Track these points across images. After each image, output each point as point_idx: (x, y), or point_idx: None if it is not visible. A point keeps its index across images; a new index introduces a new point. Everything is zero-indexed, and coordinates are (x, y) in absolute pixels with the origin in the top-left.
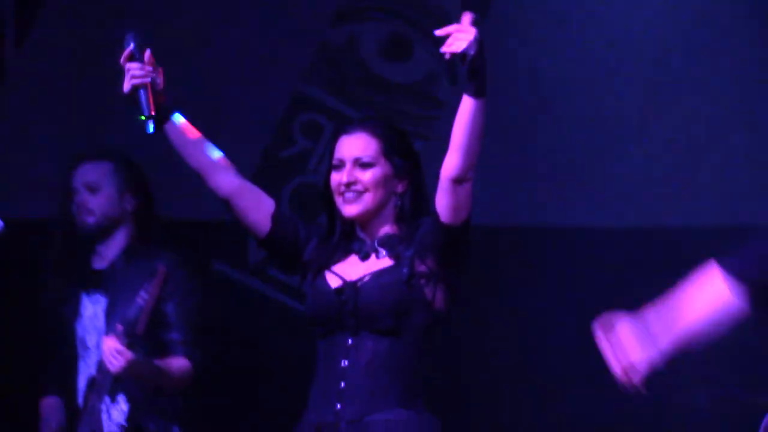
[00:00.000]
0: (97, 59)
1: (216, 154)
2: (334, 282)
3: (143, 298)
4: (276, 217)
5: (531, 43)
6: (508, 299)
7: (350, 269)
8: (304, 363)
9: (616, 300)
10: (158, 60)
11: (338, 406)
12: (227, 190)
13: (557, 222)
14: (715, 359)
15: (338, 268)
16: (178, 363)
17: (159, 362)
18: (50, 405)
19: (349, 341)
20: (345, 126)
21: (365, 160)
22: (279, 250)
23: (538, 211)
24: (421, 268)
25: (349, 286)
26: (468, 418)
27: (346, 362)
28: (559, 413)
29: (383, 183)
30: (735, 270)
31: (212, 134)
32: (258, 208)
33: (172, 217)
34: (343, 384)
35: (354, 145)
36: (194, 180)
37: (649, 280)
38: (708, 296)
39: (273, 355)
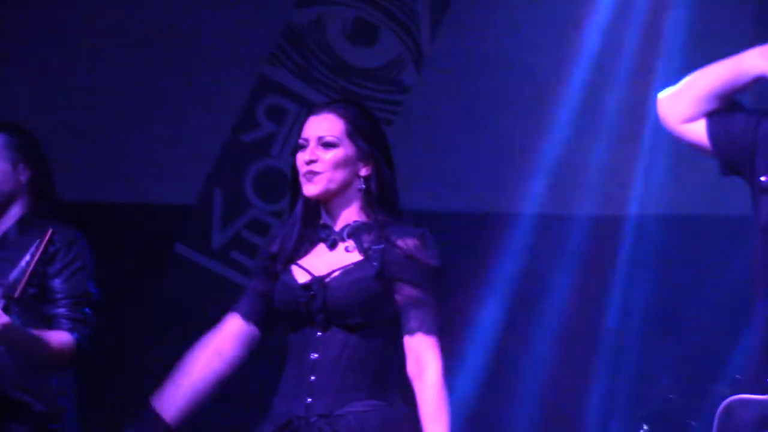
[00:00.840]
0: None
1: (211, 362)
2: (301, 277)
3: (26, 260)
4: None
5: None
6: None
7: (318, 261)
8: (267, 345)
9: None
10: (126, 44)
11: (309, 399)
12: (250, 340)
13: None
14: (679, 348)
15: (306, 260)
16: (58, 336)
17: (36, 332)
18: None
19: (318, 334)
20: (314, 106)
21: (328, 139)
22: None
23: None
24: (394, 264)
25: (317, 282)
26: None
27: (316, 355)
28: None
29: (344, 164)
30: None
31: (178, 117)
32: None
33: (136, 201)
34: (313, 377)
35: (319, 125)
36: (158, 164)
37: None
38: None
39: None
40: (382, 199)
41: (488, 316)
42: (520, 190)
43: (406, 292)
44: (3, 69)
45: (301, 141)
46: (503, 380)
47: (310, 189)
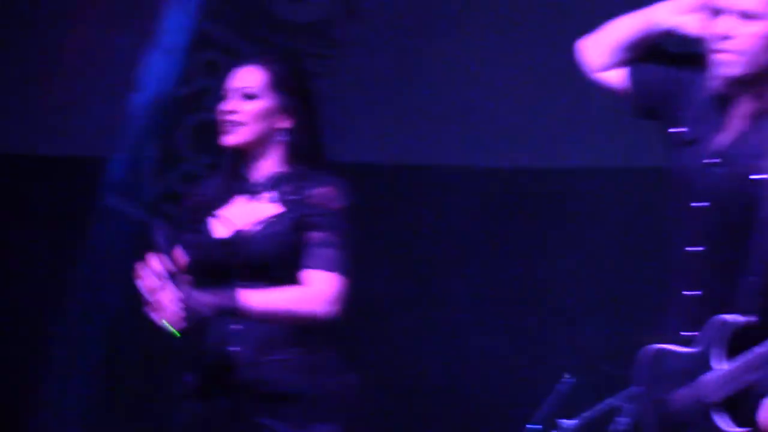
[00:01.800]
0: None
1: None
2: (219, 230)
3: None
4: None
5: None
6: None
7: (238, 213)
8: None
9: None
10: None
11: (236, 347)
12: None
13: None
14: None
15: (226, 211)
16: None
17: None
18: None
19: (240, 284)
20: (241, 59)
21: (248, 91)
22: None
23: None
24: (313, 213)
25: (237, 236)
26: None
27: None
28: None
29: (264, 116)
30: None
31: (113, 71)
32: None
33: (66, 153)
34: (240, 325)
35: (242, 77)
36: (90, 117)
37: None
38: None
39: None
40: (304, 151)
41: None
42: (445, 143)
43: (313, 235)
44: None
45: (222, 92)
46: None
47: (229, 139)
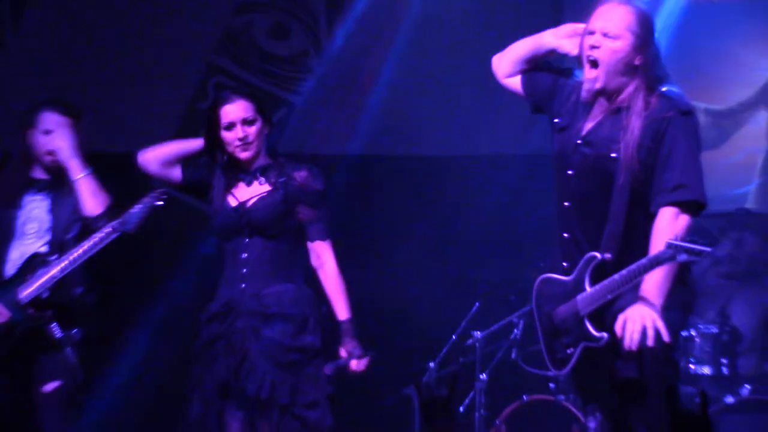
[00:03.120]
0: None
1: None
2: (232, 202)
3: None
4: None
5: None
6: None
7: (241, 193)
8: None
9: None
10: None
11: (243, 285)
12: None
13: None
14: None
15: (234, 191)
16: None
17: None
18: None
19: (246, 241)
20: (223, 96)
21: (249, 118)
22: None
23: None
24: (297, 192)
25: (242, 206)
26: None
27: (245, 255)
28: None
29: (260, 132)
30: None
31: (153, 89)
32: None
33: (121, 150)
34: (245, 270)
35: (240, 109)
36: (137, 121)
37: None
38: None
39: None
40: (274, 146)
41: None
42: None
43: (304, 211)
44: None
45: (226, 124)
46: None
47: (246, 155)
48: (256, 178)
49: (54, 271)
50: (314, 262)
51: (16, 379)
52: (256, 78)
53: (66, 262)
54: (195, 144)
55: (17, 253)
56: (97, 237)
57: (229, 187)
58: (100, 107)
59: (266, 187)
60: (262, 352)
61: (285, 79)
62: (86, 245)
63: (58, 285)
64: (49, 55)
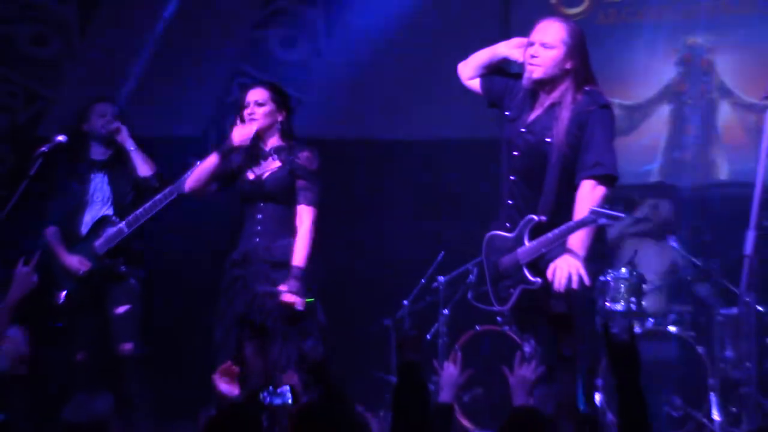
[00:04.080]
0: None
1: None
2: (251, 176)
3: None
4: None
5: None
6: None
7: (258, 168)
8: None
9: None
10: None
11: (257, 239)
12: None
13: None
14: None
15: (254, 167)
16: None
17: None
18: (52, 232)
19: (261, 205)
20: (250, 85)
21: (260, 101)
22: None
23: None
24: (297, 168)
25: (258, 178)
26: None
27: (260, 216)
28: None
29: (270, 114)
30: None
31: (192, 90)
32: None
33: (162, 134)
34: (259, 227)
35: (256, 94)
36: (180, 108)
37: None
38: None
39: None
40: (290, 131)
41: None
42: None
43: (300, 182)
44: None
45: (246, 103)
46: None
47: (251, 127)
48: (271, 156)
49: (121, 226)
50: (297, 221)
51: (98, 308)
52: (269, 77)
53: (131, 218)
54: (212, 162)
55: (89, 217)
56: (156, 198)
57: (250, 164)
58: (154, 99)
59: (278, 164)
60: (269, 292)
61: (289, 79)
62: (147, 205)
63: (125, 238)
64: (110, 60)
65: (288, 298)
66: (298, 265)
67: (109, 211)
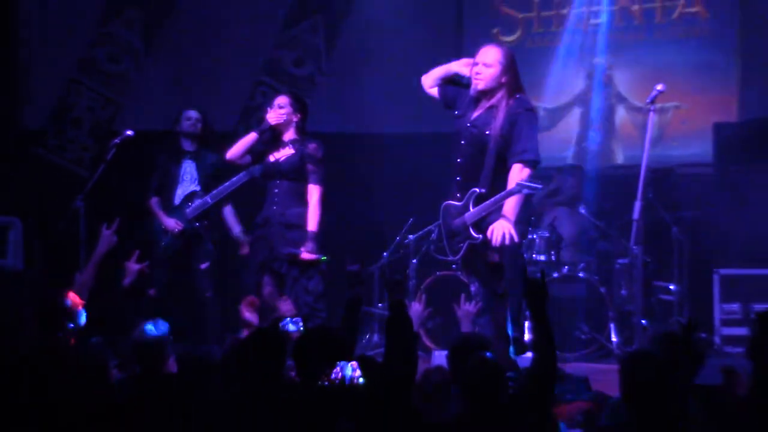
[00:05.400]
0: None
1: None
2: (271, 159)
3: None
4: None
5: None
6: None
7: (277, 153)
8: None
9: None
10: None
11: (274, 207)
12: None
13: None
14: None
15: (274, 153)
16: None
17: None
18: (155, 201)
19: (278, 182)
20: (278, 94)
21: (281, 105)
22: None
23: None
24: (306, 156)
25: (276, 161)
26: None
27: (277, 190)
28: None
29: (289, 114)
30: None
31: (223, 90)
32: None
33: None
34: (276, 198)
35: (279, 99)
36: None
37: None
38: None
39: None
40: (303, 128)
41: None
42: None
43: (309, 166)
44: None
45: (272, 105)
46: None
47: (272, 123)
48: (287, 145)
49: (207, 198)
50: (308, 197)
51: (186, 263)
52: (284, 87)
53: (215, 192)
54: (252, 137)
55: (180, 191)
56: (234, 178)
57: (272, 150)
58: (196, 103)
59: (291, 151)
60: (292, 252)
61: (302, 88)
62: (227, 184)
63: (209, 209)
64: (169, 71)
65: (306, 256)
66: (313, 229)
67: (197, 188)
